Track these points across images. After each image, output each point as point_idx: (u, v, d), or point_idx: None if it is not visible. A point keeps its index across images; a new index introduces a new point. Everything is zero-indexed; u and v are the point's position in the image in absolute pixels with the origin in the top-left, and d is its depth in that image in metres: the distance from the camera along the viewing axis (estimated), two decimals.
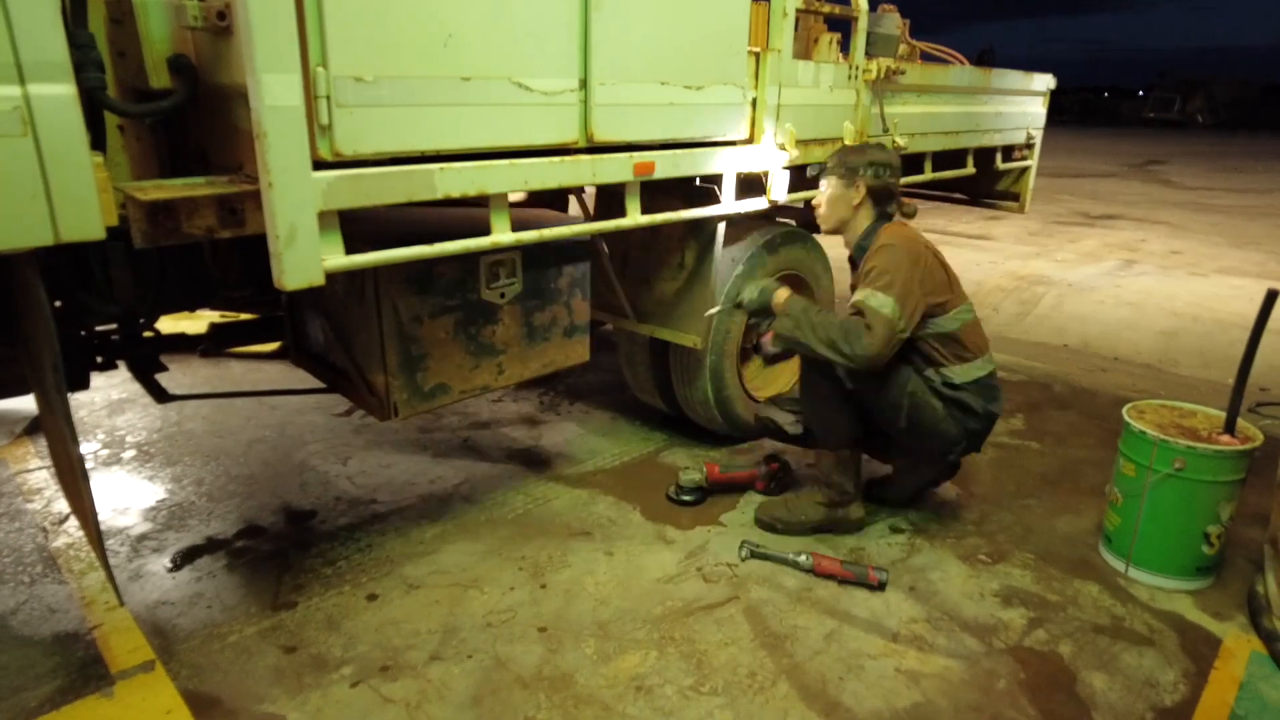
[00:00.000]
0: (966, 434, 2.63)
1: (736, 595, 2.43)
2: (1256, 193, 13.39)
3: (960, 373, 2.58)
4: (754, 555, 2.61)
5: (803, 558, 2.54)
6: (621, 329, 3.35)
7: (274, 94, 1.55)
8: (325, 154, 1.70)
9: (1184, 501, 2.44)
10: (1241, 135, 33.94)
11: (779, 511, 2.81)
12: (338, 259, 1.79)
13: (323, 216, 1.72)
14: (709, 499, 2.99)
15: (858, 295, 2.47)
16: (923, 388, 2.56)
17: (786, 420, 3.04)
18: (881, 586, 2.46)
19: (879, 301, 2.39)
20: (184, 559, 2.58)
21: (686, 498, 2.93)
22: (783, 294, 2.63)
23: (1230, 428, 2.47)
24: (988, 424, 2.67)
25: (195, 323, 3.11)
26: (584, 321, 2.82)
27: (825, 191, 2.69)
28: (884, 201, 2.65)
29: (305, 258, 1.70)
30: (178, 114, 1.88)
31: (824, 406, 2.69)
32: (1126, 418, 2.56)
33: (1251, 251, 8.24)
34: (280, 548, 2.65)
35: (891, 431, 2.68)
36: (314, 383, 2.82)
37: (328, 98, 1.67)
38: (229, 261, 2.43)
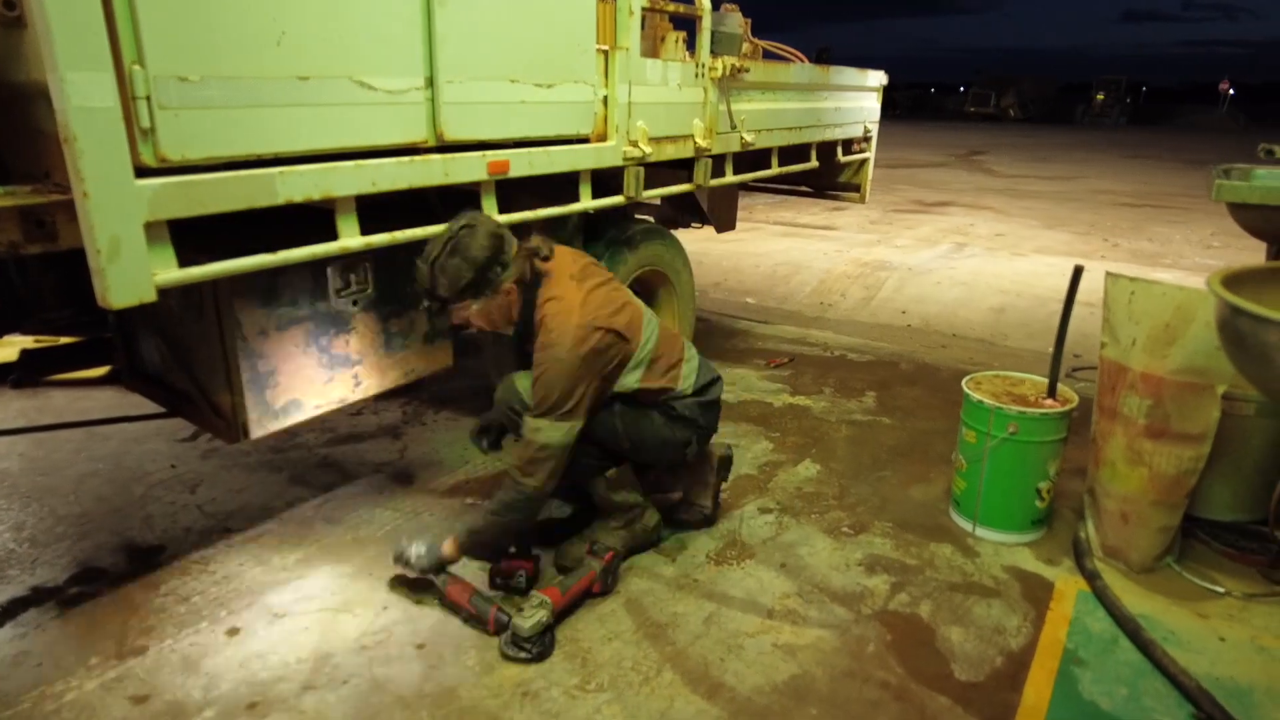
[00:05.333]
0: (696, 430, 2.54)
1: (617, 590, 2.45)
2: (1062, 179, 14.82)
3: (681, 386, 2.47)
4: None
5: (440, 579, 2.33)
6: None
7: (82, 94, 1.42)
8: (149, 160, 1.58)
9: (1018, 462, 2.67)
10: (1046, 128, 37.51)
11: (578, 553, 2.49)
12: (171, 272, 1.67)
13: (150, 228, 1.59)
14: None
15: (529, 421, 2.24)
16: (627, 409, 2.43)
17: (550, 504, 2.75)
18: (498, 631, 2.17)
19: (546, 436, 2.21)
20: (3, 615, 2.31)
21: (527, 651, 2.11)
22: (449, 544, 2.34)
23: (1052, 392, 2.72)
24: (709, 419, 2.57)
25: (3, 350, 2.80)
26: (445, 326, 2.75)
27: (476, 310, 2.27)
28: (528, 262, 2.29)
29: (133, 273, 1.57)
30: None
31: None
32: (966, 389, 2.77)
33: (1061, 232, 9.12)
34: (124, 590, 2.43)
35: (626, 455, 2.54)
36: (152, 407, 2.61)
37: (148, 98, 1.54)
38: (43, 280, 2.20)
